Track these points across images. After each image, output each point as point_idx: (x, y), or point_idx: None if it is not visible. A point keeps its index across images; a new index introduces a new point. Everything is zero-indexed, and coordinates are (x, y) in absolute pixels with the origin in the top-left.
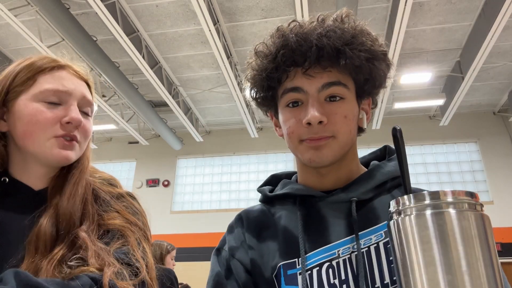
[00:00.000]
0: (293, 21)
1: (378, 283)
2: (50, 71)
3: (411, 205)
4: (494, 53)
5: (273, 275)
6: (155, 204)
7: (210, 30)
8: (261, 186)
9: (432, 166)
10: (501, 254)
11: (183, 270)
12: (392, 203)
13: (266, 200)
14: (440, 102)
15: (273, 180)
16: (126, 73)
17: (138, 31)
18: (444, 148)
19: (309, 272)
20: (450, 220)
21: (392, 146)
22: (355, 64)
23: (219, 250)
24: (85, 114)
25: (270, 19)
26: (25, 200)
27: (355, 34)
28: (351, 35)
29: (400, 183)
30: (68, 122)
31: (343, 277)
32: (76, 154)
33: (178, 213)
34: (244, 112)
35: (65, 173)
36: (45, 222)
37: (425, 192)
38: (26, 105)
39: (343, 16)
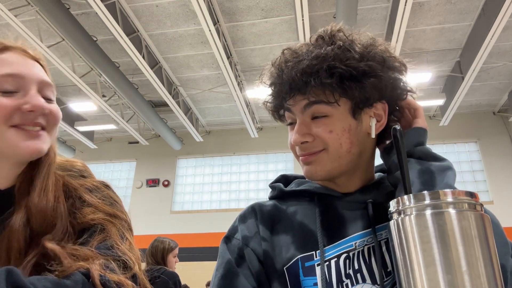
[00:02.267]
0: (287, 48)
1: (389, 268)
2: None
3: (411, 205)
4: (494, 53)
5: (285, 268)
6: (155, 204)
7: (210, 30)
8: (272, 183)
9: None
10: None
11: (182, 270)
12: (392, 203)
13: (278, 196)
14: (440, 102)
15: (283, 180)
16: (126, 73)
17: (138, 31)
18: (444, 148)
19: (327, 263)
20: (450, 220)
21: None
22: (325, 87)
23: (229, 238)
24: (48, 99)
25: (270, 19)
26: None
27: (323, 59)
28: (317, 62)
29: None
30: (30, 111)
31: (356, 266)
32: (46, 144)
33: (178, 213)
34: (244, 112)
35: (32, 168)
36: (17, 224)
37: (425, 192)
38: None
39: (332, 33)
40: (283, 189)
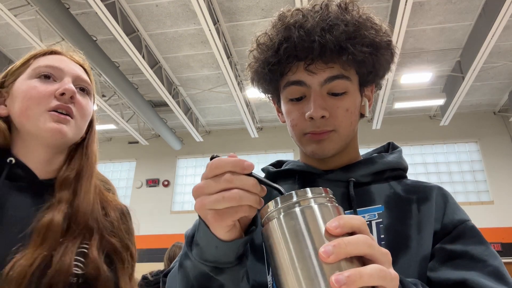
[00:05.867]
0: (296, 9)
1: None
2: (44, 55)
3: (273, 209)
4: (494, 53)
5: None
6: (155, 204)
7: (210, 30)
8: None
9: (432, 166)
10: (501, 254)
11: None
12: (262, 212)
13: (268, 178)
14: (441, 102)
15: (278, 164)
16: (126, 73)
17: (138, 31)
18: (444, 148)
19: None
20: (294, 218)
21: (395, 143)
22: (358, 59)
23: None
24: (82, 91)
25: (270, 19)
26: (30, 187)
27: (358, 27)
28: (354, 28)
29: (398, 175)
30: (62, 94)
31: None
32: (71, 131)
33: (178, 213)
34: (244, 112)
35: (74, 167)
36: (58, 216)
37: (278, 197)
38: (21, 83)
39: (347, 3)
40: (270, 170)
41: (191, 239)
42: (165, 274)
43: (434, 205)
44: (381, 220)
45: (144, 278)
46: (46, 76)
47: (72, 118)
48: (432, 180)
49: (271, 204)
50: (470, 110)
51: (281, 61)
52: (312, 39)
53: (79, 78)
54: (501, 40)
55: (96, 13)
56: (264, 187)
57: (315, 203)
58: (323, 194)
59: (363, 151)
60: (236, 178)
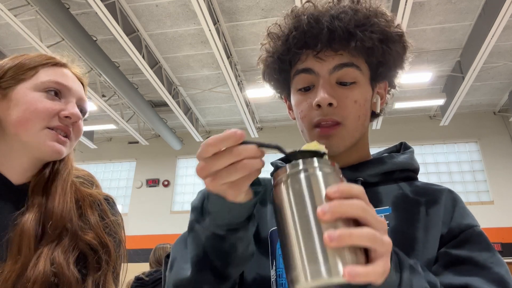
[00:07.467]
0: (308, 1)
1: None
2: (52, 66)
3: (283, 174)
4: (494, 53)
5: (268, 236)
6: (155, 204)
7: (210, 30)
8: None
9: (433, 166)
10: (501, 254)
11: None
12: (274, 176)
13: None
14: (441, 102)
15: (287, 161)
16: (126, 73)
17: (138, 31)
18: (444, 148)
19: None
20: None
21: (406, 143)
22: (367, 46)
23: None
24: (80, 112)
25: (270, 19)
26: (5, 195)
27: (368, 15)
28: (363, 16)
29: (408, 176)
30: (67, 116)
31: None
32: (66, 151)
33: (178, 213)
34: (244, 112)
35: (49, 172)
36: (29, 223)
37: (287, 164)
38: (26, 93)
39: None
40: (278, 165)
41: (200, 209)
42: (167, 255)
43: (443, 208)
44: (388, 222)
45: (139, 279)
46: (55, 93)
47: (69, 140)
48: (432, 180)
49: (282, 170)
50: (470, 110)
51: (290, 49)
52: (320, 26)
53: (81, 99)
54: (501, 40)
55: (96, 13)
56: (263, 149)
57: (320, 171)
58: (329, 164)
59: None
60: (242, 149)
